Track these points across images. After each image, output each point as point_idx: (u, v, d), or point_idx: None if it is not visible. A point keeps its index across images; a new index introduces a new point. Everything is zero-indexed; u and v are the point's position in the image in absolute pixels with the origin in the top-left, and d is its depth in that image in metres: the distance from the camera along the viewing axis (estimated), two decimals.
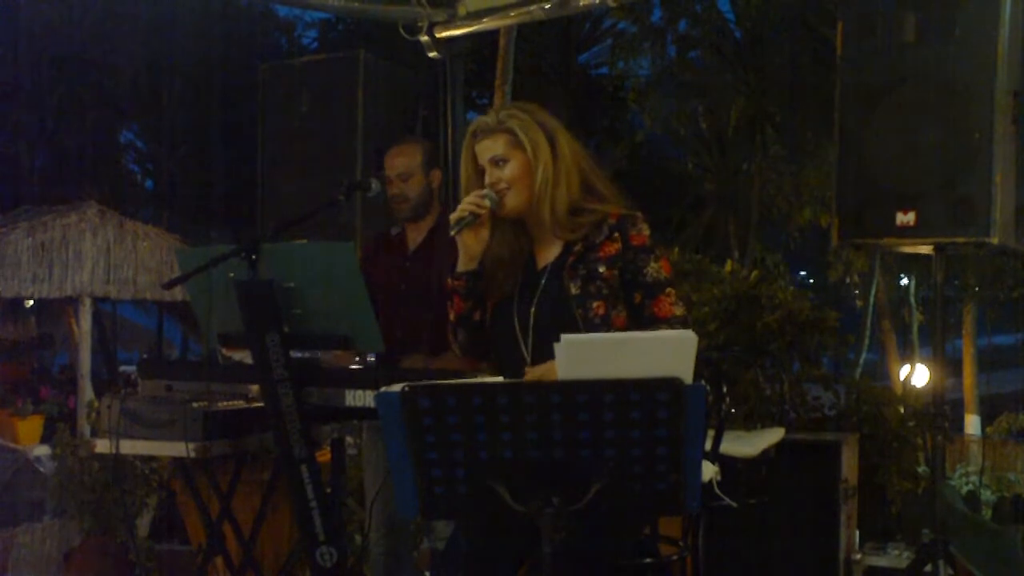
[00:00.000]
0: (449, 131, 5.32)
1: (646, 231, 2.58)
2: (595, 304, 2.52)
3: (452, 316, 2.65)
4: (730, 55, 18.00)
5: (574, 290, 2.53)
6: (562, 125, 2.64)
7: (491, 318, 2.64)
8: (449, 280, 2.64)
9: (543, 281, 2.58)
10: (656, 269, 2.56)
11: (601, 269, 2.54)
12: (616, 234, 2.56)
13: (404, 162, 3.60)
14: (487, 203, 2.54)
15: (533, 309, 2.55)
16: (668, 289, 2.57)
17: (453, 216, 2.54)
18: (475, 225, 2.54)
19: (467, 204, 2.54)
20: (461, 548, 2.54)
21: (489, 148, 2.59)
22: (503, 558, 2.49)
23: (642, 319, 2.55)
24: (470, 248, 2.58)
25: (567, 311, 2.52)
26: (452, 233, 2.54)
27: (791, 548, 4.25)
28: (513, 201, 2.57)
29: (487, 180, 2.58)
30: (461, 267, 2.61)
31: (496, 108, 2.71)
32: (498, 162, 2.57)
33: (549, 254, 2.62)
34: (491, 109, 2.71)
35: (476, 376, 2.67)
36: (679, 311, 2.56)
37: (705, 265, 5.44)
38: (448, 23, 5.19)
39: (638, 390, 1.83)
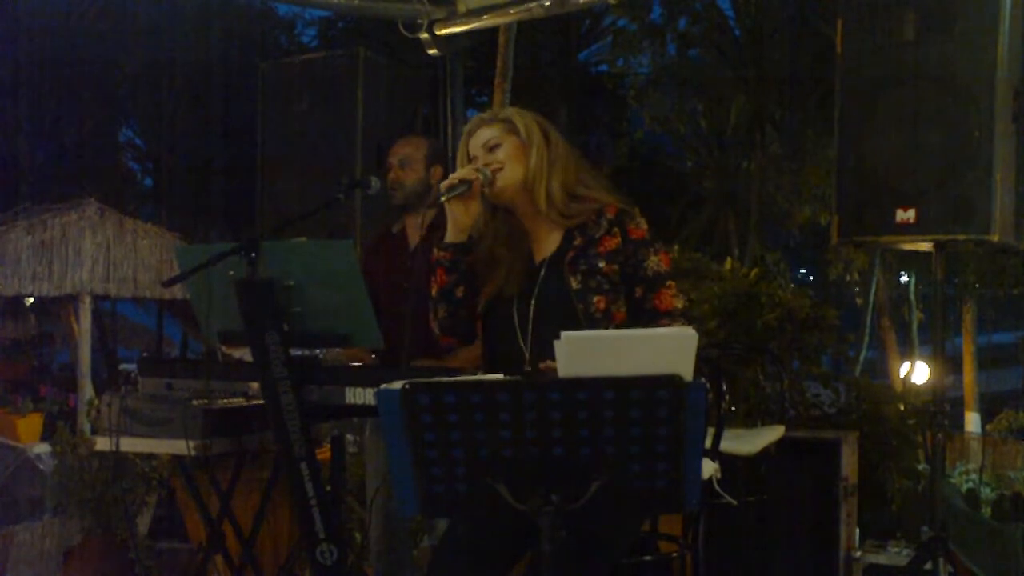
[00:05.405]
0: (449, 129, 5.33)
1: (644, 224, 2.60)
2: (596, 299, 2.53)
3: (434, 290, 2.65)
4: (730, 53, 17.98)
5: (575, 284, 2.53)
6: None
7: (486, 311, 2.64)
8: (435, 251, 2.64)
9: (541, 275, 2.58)
10: (656, 262, 2.58)
11: (601, 264, 2.54)
12: (615, 229, 2.58)
13: (407, 151, 3.64)
14: (479, 176, 2.56)
15: (533, 303, 2.55)
16: (668, 282, 2.59)
17: (444, 184, 2.57)
18: (466, 196, 2.56)
19: (459, 172, 2.58)
20: (456, 545, 2.53)
21: (482, 136, 2.63)
22: (500, 555, 2.49)
23: (643, 312, 2.56)
24: (459, 219, 2.59)
25: (568, 305, 2.52)
26: (442, 199, 2.55)
27: (791, 546, 4.25)
28: (505, 180, 2.59)
29: (480, 163, 2.60)
30: (449, 238, 2.62)
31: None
32: (491, 147, 2.60)
33: (546, 247, 2.62)
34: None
35: (476, 374, 2.67)
36: (679, 303, 2.58)
37: (705, 263, 5.43)
38: (448, 20, 5.19)
39: (638, 388, 1.83)
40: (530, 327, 2.54)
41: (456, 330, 2.69)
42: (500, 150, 2.60)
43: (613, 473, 1.88)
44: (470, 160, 2.63)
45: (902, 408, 4.92)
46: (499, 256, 2.62)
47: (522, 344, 2.55)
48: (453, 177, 2.57)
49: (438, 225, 3.60)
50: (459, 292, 2.63)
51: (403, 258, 3.63)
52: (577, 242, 2.58)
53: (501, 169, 2.58)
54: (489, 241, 2.63)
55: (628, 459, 1.88)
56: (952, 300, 16.95)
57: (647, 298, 2.56)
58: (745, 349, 4.75)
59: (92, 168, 17.74)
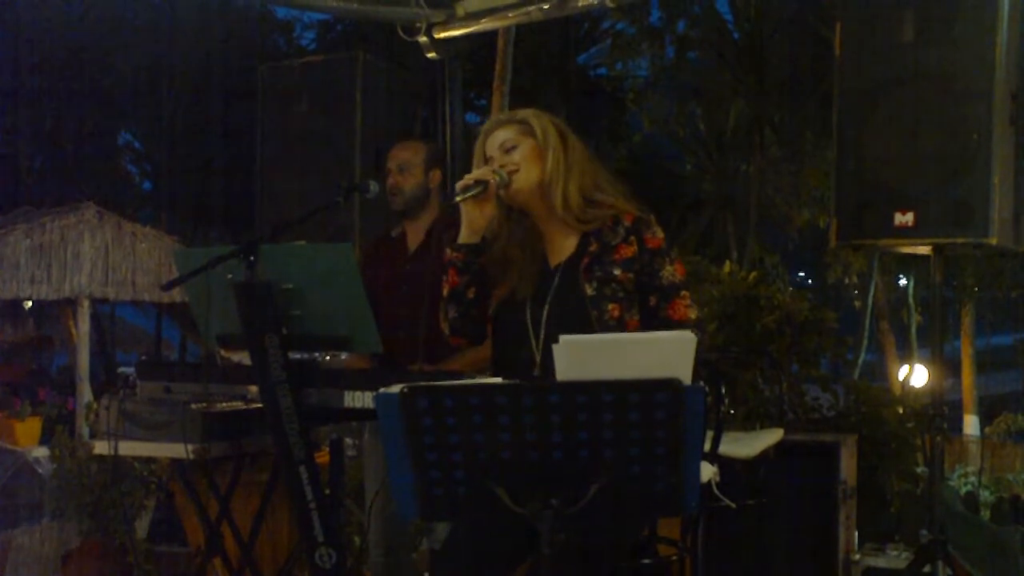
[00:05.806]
0: (447, 132, 5.32)
1: (660, 233, 2.60)
2: (610, 306, 2.52)
3: (446, 291, 2.64)
4: (729, 56, 18.01)
5: (590, 291, 2.52)
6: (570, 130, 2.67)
7: (497, 315, 2.63)
8: (448, 251, 2.62)
9: (556, 280, 2.57)
10: (671, 272, 2.58)
11: (617, 272, 2.54)
12: (632, 237, 2.57)
13: (405, 156, 3.63)
14: (495, 177, 2.54)
15: (546, 308, 2.54)
16: (683, 292, 2.58)
17: (460, 184, 2.54)
18: (481, 198, 2.54)
19: (475, 173, 2.56)
20: (458, 548, 2.53)
21: (499, 137, 2.61)
22: (501, 558, 2.48)
23: (656, 322, 2.55)
24: (473, 220, 2.58)
25: (582, 312, 2.51)
26: (457, 200, 2.53)
27: (790, 549, 4.25)
28: (521, 182, 2.57)
29: (496, 165, 2.59)
30: (462, 239, 2.60)
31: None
32: (508, 149, 2.59)
33: (561, 252, 2.61)
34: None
35: (476, 377, 2.67)
36: (693, 314, 2.57)
37: (704, 266, 5.44)
38: (446, 24, 5.19)
39: (637, 391, 1.83)
40: (543, 332, 2.53)
41: (466, 330, 2.68)
42: (516, 152, 2.58)
43: (612, 476, 1.88)
44: (486, 161, 2.62)
45: (901, 411, 4.93)
46: (512, 257, 2.60)
47: (534, 348, 2.54)
48: (468, 178, 2.55)
49: (443, 227, 3.60)
50: (470, 293, 2.62)
51: (401, 262, 3.63)
52: (593, 248, 2.56)
53: (517, 171, 2.57)
54: (503, 242, 2.62)
55: (627, 462, 1.88)
56: (951, 303, 16.98)
57: (661, 307, 2.56)
58: (744, 352, 4.75)
59: (91, 171, 17.76)
